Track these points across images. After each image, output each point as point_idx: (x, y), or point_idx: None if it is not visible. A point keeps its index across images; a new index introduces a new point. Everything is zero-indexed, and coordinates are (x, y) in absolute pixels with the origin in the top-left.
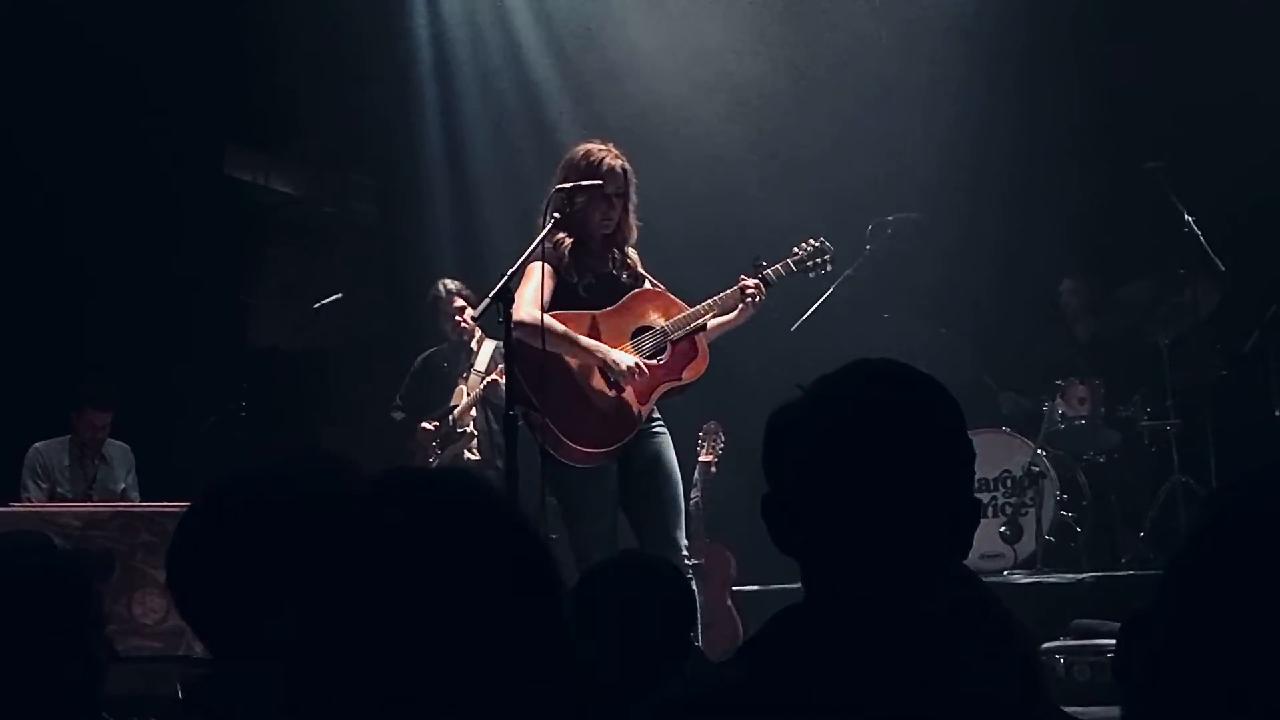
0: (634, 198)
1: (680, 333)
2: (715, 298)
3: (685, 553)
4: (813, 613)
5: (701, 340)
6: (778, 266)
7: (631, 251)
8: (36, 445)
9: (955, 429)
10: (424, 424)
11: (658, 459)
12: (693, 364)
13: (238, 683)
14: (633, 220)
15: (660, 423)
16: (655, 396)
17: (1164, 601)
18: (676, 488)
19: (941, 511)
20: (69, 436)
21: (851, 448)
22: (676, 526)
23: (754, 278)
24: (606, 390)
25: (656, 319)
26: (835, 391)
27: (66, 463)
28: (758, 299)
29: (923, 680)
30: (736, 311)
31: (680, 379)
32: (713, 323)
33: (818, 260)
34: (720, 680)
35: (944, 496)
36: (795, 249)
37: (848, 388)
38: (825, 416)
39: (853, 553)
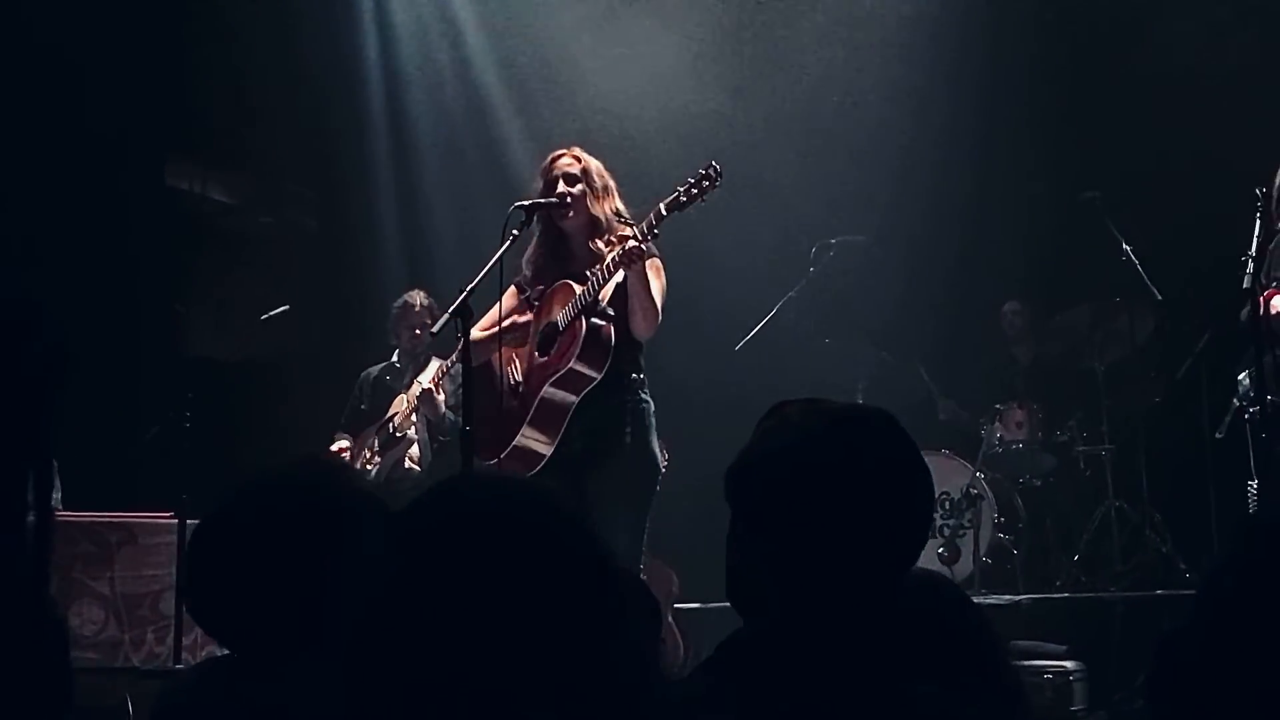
0: (599, 184)
1: (565, 320)
2: (596, 270)
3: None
4: (770, 632)
5: (579, 323)
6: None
7: (623, 233)
8: None
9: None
10: (340, 446)
11: (598, 475)
12: (567, 349)
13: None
14: (604, 209)
15: (613, 437)
16: (541, 393)
17: (1198, 622)
18: (621, 504)
19: (890, 540)
20: None
21: (820, 481)
22: (621, 544)
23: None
24: (503, 396)
25: (558, 312)
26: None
27: None
28: (626, 253)
29: (871, 684)
30: (619, 273)
31: (557, 369)
32: (632, 300)
33: (696, 190)
34: (684, 695)
35: (894, 528)
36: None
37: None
38: (785, 457)
39: (816, 575)
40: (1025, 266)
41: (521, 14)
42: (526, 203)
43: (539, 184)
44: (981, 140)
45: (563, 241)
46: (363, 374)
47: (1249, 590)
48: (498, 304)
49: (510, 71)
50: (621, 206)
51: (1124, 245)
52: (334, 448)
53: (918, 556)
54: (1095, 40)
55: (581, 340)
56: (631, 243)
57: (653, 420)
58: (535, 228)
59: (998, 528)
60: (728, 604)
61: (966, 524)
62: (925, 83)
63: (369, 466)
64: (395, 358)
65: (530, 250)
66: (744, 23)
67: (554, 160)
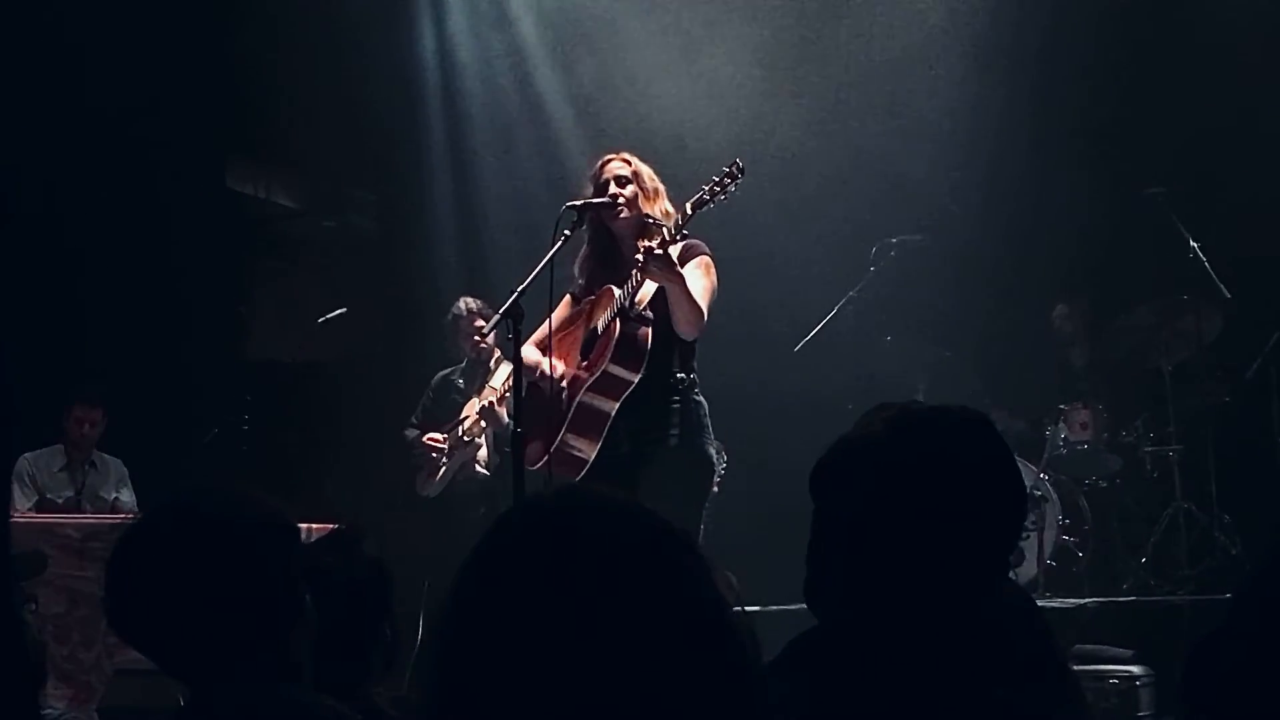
0: (649, 186)
1: (603, 324)
2: (634, 273)
3: None
4: (844, 633)
5: (614, 326)
6: (676, 217)
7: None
8: (25, 455)
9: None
10: (431, 435)
11: (648, 476)
12: (603, 353)
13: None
14: (654, 211)
15: (661, 439)
16: (579, 397)
17: (1235, 624)
18: (672, 504)
19: (975, 544)
20: (59, 445)
21: (907, 489)
22: None
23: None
24: (550, 403)
25: (600, 317)
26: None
27: (56, 468)
28: (643, 262)
29: (945, 688)
30: (648, 282)
31: (593, 373)
32: (671, 301)
33: (719, 188)
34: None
35: (980, 532)
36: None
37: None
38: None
39: (894, 576)
40: (1087, 265)
41: (582, 20)
42: (578, 203)
43: (589, 188)
44: (1042, 137)
45: (613, 244)
46: (436, 375)
47: None
48: (547, 319)
49: (569, 76)
50: (670, 208)
51: (1191, 242)
52: (432, 436)
53: (1006, 561)
54: (1156, 31)
55: (615, 343)
56: (656, 248)
57: (706, 420)
58: (584, 233)
59: (1062, 530)
60: (787, 607)
61: (1030, 526)
62: (982, 80)
63: (444, 462)
64: (465, 362)
65: (580, 256)
66: (803, 27)
67: (605, 163)
